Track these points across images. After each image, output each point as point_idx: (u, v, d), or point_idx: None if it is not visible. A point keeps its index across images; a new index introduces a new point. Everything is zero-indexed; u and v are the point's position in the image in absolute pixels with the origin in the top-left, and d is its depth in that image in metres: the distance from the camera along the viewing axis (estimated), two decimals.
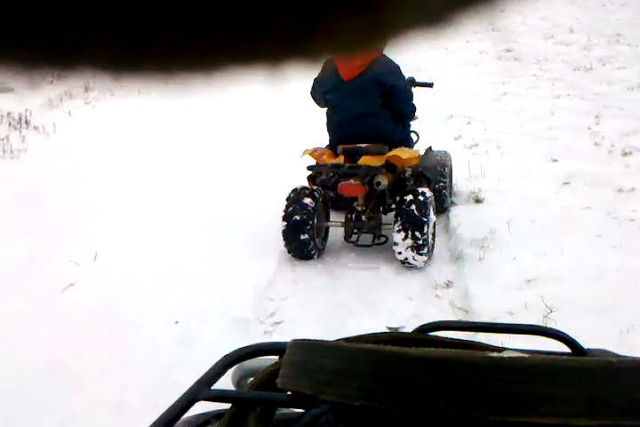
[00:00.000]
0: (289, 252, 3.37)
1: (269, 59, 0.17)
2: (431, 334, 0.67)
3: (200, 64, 0.17)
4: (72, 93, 7.17)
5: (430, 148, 3.89)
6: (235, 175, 4.49)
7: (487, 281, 2.91)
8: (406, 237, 3.10)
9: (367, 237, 3.39)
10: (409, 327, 2.54)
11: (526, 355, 0.46)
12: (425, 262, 3.21)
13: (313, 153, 3.42)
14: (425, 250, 3.13)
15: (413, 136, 3.78)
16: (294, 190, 3.37)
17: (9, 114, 6.18)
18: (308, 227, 3.24)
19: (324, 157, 3.37)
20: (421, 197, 3.17)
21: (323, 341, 0.54)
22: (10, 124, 5.92)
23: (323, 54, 0.17)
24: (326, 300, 2.96)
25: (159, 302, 2.94)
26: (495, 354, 0.46)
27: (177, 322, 2.84)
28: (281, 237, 3.32)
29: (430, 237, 3.21)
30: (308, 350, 0.52)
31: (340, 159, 3.30)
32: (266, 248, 3.41)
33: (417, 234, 3.09)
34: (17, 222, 3.83)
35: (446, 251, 3.41)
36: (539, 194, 3.90)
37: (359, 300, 2.92)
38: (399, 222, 3.15)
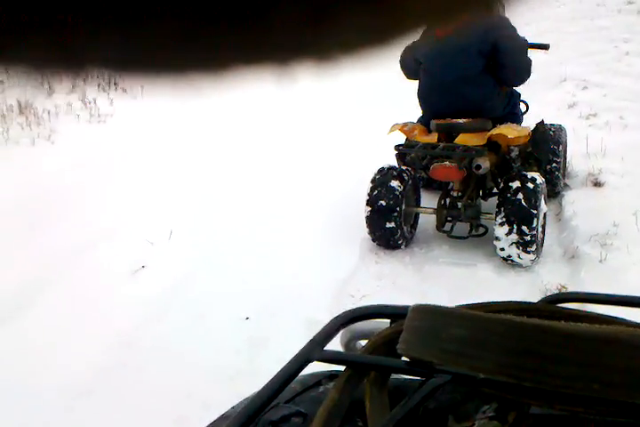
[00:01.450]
0: (373, 240, 3.00)
1: (278, 57, 0.17)
2: (560, 305, 0.61)
3: (209, 64, 0.17)
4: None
5: (542, 122, 3.22)
6: (305, 159, 4.13)
7: (609, 289, 2.43)
8: (511, 231, 2.66)
9: (463, 226, 2.94)
10: None
11: None
12: (532, 261, 2.76)
13: (403, 128, 2.94)
14: (533, 247, 2.68)
15: (522, 106, 3.21)
16: (380, 171, 2.96)
17: (98, 75, 6.03)
18: (395, 213, 2.85)
19: (416, 132, 2.90)
20: (531, 184, 2.69)
21: (448, 307, 0.52)
22: (99, 86, 5.75)
23: (332, 52, 0.17)
24: (412, 302, 2.58)
25: (230, 294, 2.67)
26: None
27: (247, 318, 2.57)
28: (364, 224, 2.94)
29: (540, 230, 2.75)
30: (434, 316, 0.50)
31: (434, 137, 2.84)
32: (348, 235, 3.05)
33: (524, 228, 2.63)
34: (97, 194, 3.65)
35: (558, 246, 2.92)
36: None
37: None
38: (502, 214, 2.69)
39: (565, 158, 3.47)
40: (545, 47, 3.22)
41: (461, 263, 2.84)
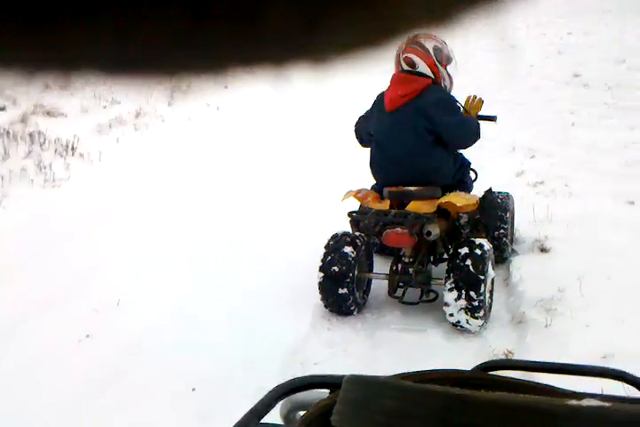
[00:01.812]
0: (326, 306, 3.01)
1: (274, 60, 0.17)
2: (492, 373, 0.63)
3: (207, 66, 0.17)
4: (123, 119, 7.05)
5: (490, 190, 3.42)
6: (267, 213, 4.19)
7: (554, 354, 2.46)
8: (459, 296, 2.71)
9: (414, 292, 2.98)
10: None
11: (608, 404, 0.42)
12: (480, 327, 2.80)
13: (356, 194, 3.02)
14: (481, 312, 2.73)
15: (472, 175, 3.35)
16: (334, 237, 3.01)
17: (57, 140, 6.06)
18: (348, 280, 2.87)
19: (369, 199, 2.98)
20: (478, 251, 2.77)
21: (381, 377, 0.52)
22: (56, 151, 5.78)
23: (326, 54, 0.17)
24: (363, 369, 2.57)
25: (176, 363, 2.62)
26: (574, 402, 0.42)
27: (194, 389, 2.51)
28: (317, 289, 2.95)
29: (488, 295, 2.81)
30: (366, 387, 0.49)
31: (386, 204, 2.93)
32: (299, 300, 3.06)
33: (472, 294, 2.69)
34: (46, 261, 3.61)
35: (506, 311, 2.97)
36: (614, 244, 3.41)
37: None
38: (452, 280, 2.74)
39: (513, 225, 3.56)
40: (492, 119, 3.40)
41: (412, 329, 2.86)
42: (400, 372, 0.60)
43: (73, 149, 5.81)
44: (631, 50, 12.20)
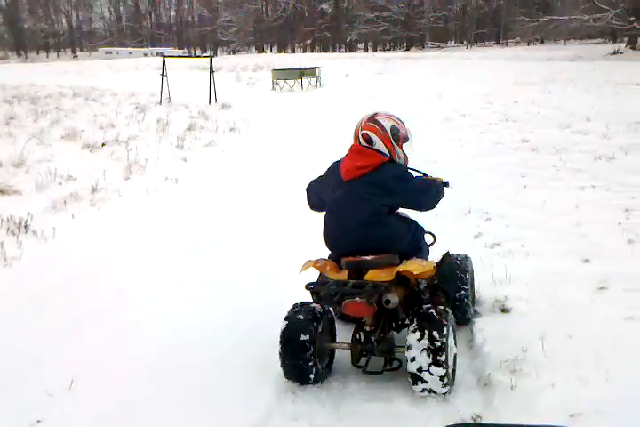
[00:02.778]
0: (288, 378, 2.94)
1: None
2: None
3: None
4: (78, 195, 6.99)
5: (448, 253, 3.41)
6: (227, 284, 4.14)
7: (522, 415, 2.43)
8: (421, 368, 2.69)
9: (378, 360, 2.93)
10: None
11: None
12: (445, 393, 2.76)
13: (315, 264, 3.00)
14: (445, 380, 2.70)
15: (429, 238, 3.42)
16: (294, 307, 2.98)
17: (10, 218, 5.94)
18: (309, 351, 2.83)
19: (327, 268, 2.97)
20: (437, 318, 2.76)
21: None
22: (8, 229, 5.66)
23: None
24: None
25: None
26: None
27: None
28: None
29: (451, 363, 2.78)
30: None
31: (344, 274, 2.91)
32: (262, 371, 2.97)
33: (435, 366, 2.67)
34: None
35: (472, 374, 2.93)
36: (573, 302, 3.45)
37: None
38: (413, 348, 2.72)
39: (473, 286, 3.57)
40: (445, 185, 3.40)
41: (378, 398, 2.79)
42: None
43: (26, 226, 5.71)
44: (575, 116, 12.78)
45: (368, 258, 2.88)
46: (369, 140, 3.01)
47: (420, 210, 3.13)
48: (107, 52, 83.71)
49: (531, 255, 4.31)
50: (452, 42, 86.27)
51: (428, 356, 2.66)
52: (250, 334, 3.30)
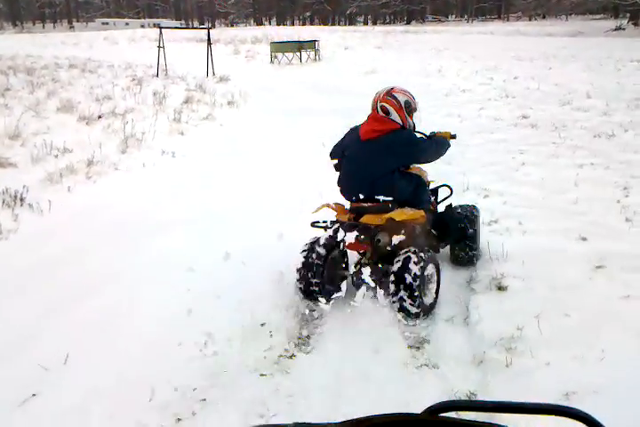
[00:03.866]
0: (303, 293, 3.58)
1: None
2: (443, 414, 0.63)
3: None
4: (74, 168, 6.94)
5: (451, 205, 4.08)
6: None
7: (517, 394, 2.43)
8: (397, 292, 3.27)
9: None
10: None
11: None
12: (418, 315, 3.25)
13: (330, 206, 3.69)
14: (417, 302, 3.23)
15: (445, 190, 4.18)
16: (311, 241, 3.63)
17: (6, 191, 5.90)
18: (321, 275, 3.50)
19: (337, 210, 3.67)
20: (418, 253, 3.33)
21: (327, 425, 0.56)
22: (3, 202, 5.63)
23: None
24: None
25: None
26: None
27: None
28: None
29: (429, 293, 3.38)
30: None
31: (348, 216, 3.55)
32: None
33: (408, 292, 3.24)
34: None
35: (467, 351, 2.93)
36: (570, 280, 3.44)
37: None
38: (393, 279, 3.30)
39: (477, 233, 4.00)
40: (454, 137, 4.06)
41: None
42: (344, 418, 0.59)
43: (22, 199, 5.67)
44: (575, 93, 12.68)
45: (365, 205, 3.51)
46: (386, 111, 3.62)
47: (428, 162, 3.76)
48: (103, 23, 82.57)
49: (528, 233, 4.30)
50: (453, 16, 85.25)
51: (404, 280, 3.22)
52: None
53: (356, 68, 21.08)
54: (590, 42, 29.78)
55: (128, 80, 18.07)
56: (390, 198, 3.48)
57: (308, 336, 3.15)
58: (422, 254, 3.32)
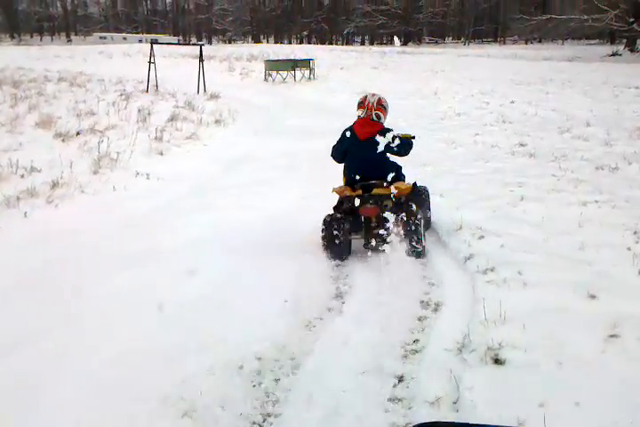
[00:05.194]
0: (330, 257, 4.72)
1: None
2: None
3: None
4: (36, 191, 6.39)
5: (415, 183, 5.26)
6: None
7: None
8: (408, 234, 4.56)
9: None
10: None
11: None
12: (420, 251, 4.61)
13: (338, 190, 4.93)
14: (422, 240, 4.62)
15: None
16: (327, 217, 4.81)
17: None
18: (340, 241, 4.67)
19: (346, 191, 4.86)
20: (413, 227, 4.58)
21: None
22: None
23: None
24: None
25: None
26: None
27: None
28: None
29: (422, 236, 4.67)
30: None
31: (359, 192, 4.80)
32: None
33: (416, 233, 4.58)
34: None
35: None
36: (579, 353, 2.88)
37: None
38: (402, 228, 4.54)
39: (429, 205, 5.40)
40: (413, 138, 5.11)
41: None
42: None
43: None
44: (574, 119, 12.26)
45: (372, 182, 4.81)
46: (378, 117, 4.97)
47: (403, 154, 4.95)
48: (101, 37, 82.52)
49: (529, 286, 3.73)
50: (450, 38, 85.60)
51: (411, 224, 4.54)
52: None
53: (350, 88, 20.66)
54: (587, 67, 29.58)
55: (116, 95, 17.59)
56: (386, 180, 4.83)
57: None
58: (417, 210, 4.73)
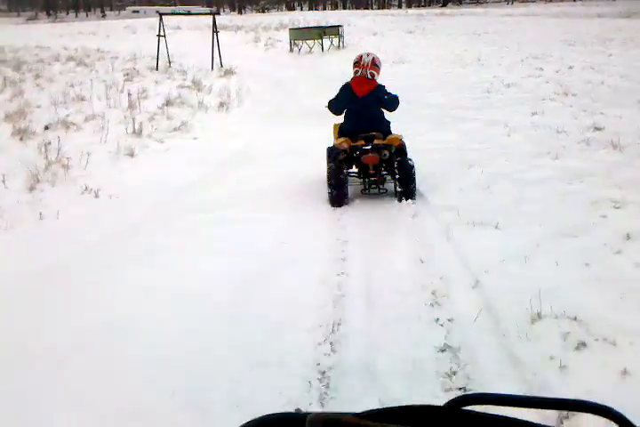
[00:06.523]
0: (332, 205, 5.12)
1: None
2: (467, 408, 0.61)
3: None
4: None
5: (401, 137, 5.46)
6: None
7: None
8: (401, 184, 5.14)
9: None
10: None
11: None
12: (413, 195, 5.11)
13: (337, 142, 5.33)
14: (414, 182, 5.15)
15: None
16: (330, 167, 5.17)
17: None
18: (345, 186, 5.16)
19: (345, 143, 5.25)
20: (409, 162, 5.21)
21: (345, 417, 0.53)
22: None
23: None
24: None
25: None
26: None
27: None
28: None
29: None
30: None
31: (360, 142, 5.19)
32: None
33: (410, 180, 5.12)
34: None
35: None
36: None
37: None
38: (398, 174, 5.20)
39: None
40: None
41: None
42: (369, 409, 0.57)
43: None
44: None
45: (372, 133, 5.26)
46: (372, 75, 5.43)
47: (393, 109, 5.51)
48: (134, 12, 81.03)
49: None
50: None
51: (408, 167, 5.10)
52: None
53: (382, 57, 18.38)
54: None
55: (121, 75, 15.77)
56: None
57: None
58: (410, 158, 5.27)
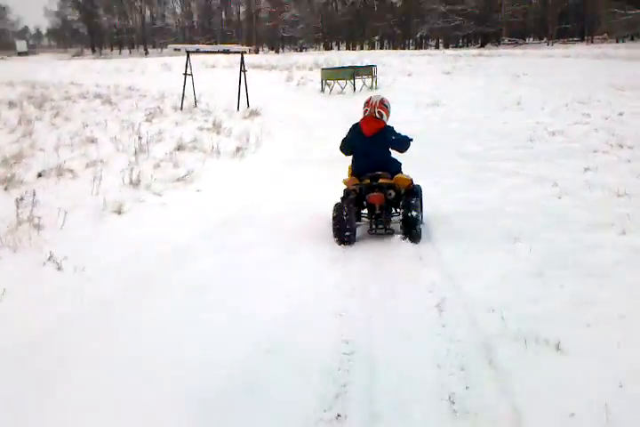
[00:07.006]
0: (338, 241, 5.05)
1: None
2: None
3: None
4: None
5: (412, 180, 5.52)
6: None
7: None
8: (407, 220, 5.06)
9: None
10: None
11: None
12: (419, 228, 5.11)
13: (346, 182, 5.49)
14: (421, 219, 5.19)
15: None
16: (336, 206, 5.19)
17: None
18: (351, 228, 5.07)
19: (353, 182, 5.39)
20: (413, 213, 5.03)
21: None
22: None
23: None
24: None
25: None
26: None
27: None
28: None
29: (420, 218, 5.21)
30: None
31: (366, 181, 5.31)
32: None
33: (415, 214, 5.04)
34: None
35: None
36: None
37: None
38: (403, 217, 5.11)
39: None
40: (411, 140, 5.63)
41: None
42: None
43: None
44: None
45: (378, 173, 5.32)
46: (380, 115, 5.55)
47: (403, 150, 5.57)
48: (175, 49, 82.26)
49: None
50: (531, 38, 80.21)
51: (412, 208, 5.01)
52: None
53: (415, 99, 17.43)
54: None
55: (142, 115, 15.11)
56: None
57: None
58: (417, 199, 5.29)
